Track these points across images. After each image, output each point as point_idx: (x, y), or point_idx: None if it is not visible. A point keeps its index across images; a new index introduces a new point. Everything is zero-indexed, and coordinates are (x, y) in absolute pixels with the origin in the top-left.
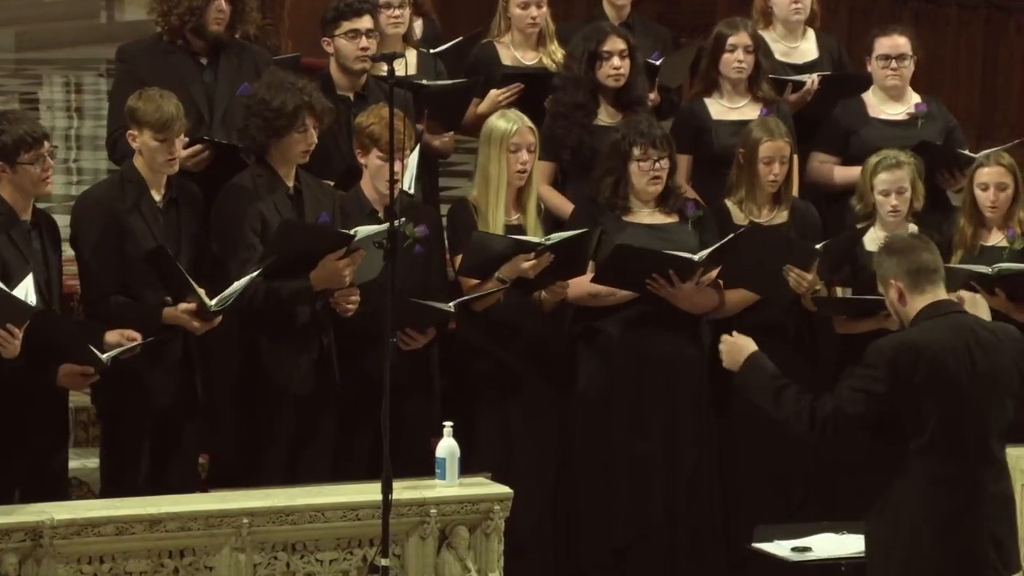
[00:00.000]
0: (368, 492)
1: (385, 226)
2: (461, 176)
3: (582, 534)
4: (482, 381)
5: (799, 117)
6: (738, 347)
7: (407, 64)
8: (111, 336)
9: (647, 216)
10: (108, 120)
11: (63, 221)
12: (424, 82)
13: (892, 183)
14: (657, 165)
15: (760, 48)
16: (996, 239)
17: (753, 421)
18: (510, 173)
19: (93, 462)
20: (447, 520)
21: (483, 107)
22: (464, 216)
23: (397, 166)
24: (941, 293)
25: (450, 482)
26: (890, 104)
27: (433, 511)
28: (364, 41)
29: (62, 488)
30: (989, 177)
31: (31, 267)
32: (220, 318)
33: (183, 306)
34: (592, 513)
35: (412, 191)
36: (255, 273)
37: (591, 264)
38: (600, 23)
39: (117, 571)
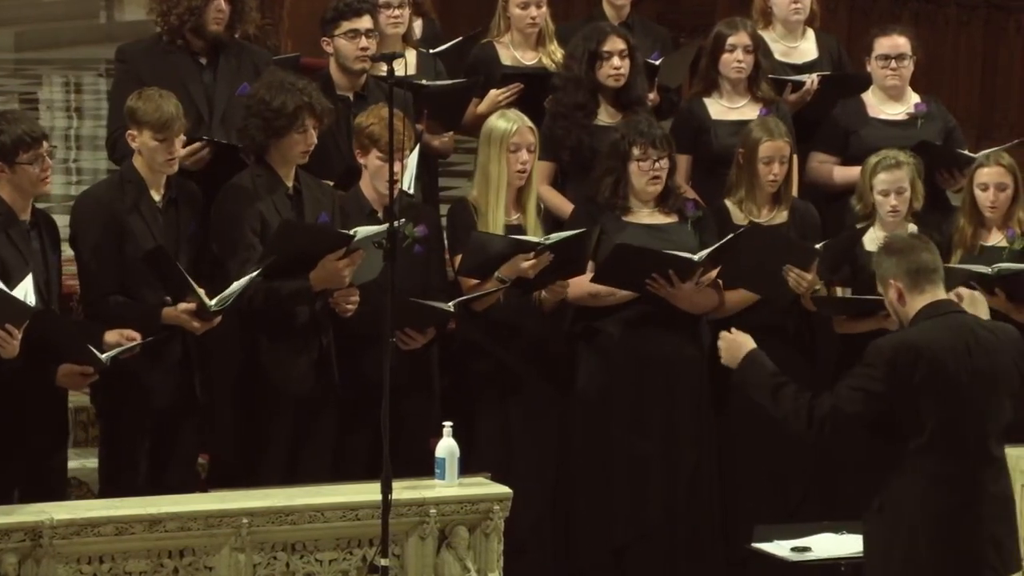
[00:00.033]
0: (368, 492)
1: (385, 226)
2: (461, 176)
3: (582, 534)
4: (482, 381)
5: (799, 117)
6: (737, 344)
7: (407, 64)
8: (110, 336)
9: (647, 216)
10: (108, 120)
11: (63, 221)
12: (424, 82)
13: (892, 183)
14: (657, 165)
15: (760, 48)
16: (996, 239)
17: (752, 420)
18: (510, 173)
19: (92, 462)
20: (447, 520)
21: (483, 107)
22: (464, 216)
23: (397, 166)
24: (940, 293)
25: (450, 482)
26: (890, 104)
27: (433, 511)
28: (364, 41)
29: (61, 488)
30: (989, 177)
31: (30, 267)
32: (220, 318)
33: (183, 306)
34: (592, 513)
35: (412, 191)
36: (255, 273)
37: (591, 264)
38: (600, 23)
39: (117, 571)
